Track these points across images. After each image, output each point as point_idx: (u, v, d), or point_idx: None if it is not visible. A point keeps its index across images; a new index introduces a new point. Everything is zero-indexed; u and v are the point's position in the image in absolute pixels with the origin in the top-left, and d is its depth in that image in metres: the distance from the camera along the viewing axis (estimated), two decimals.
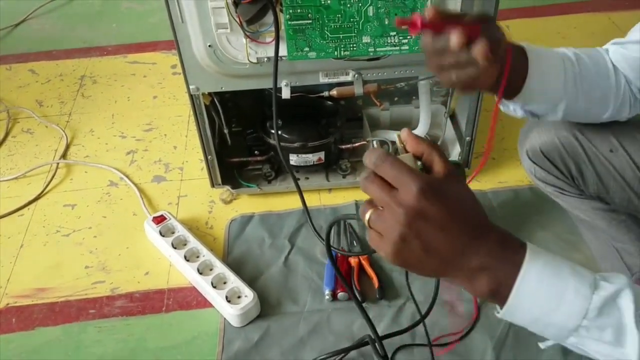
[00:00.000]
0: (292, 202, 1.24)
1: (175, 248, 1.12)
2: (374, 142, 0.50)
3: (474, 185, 1.13)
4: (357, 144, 1.27)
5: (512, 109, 0.76)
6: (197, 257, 1.11)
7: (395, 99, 1.33)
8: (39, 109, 1.57)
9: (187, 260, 1.10)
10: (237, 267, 1.11)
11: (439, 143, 1.28)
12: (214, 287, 1.05)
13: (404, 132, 0.52)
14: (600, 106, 0.76)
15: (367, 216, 0.47)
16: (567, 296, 0.43)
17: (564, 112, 0.74)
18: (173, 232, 1.16)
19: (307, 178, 1.30)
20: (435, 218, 0.44)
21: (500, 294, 0.45)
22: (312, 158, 1.24)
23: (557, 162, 0.85)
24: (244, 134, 1.29)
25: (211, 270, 1.09)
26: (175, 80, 1.62)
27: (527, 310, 0.45)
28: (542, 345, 0.51)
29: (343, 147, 1.27)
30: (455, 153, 1.26)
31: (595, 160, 0.82)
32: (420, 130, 1.24)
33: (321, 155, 1.24)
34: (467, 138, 1.21)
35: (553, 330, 0.45)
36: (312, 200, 1.26)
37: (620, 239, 0.95)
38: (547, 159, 0.85)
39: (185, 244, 1.14)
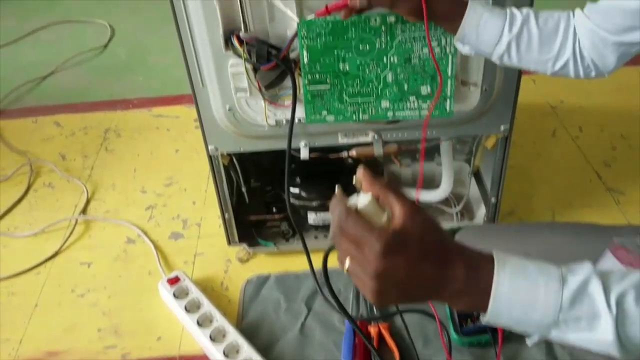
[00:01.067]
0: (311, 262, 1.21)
1: (188, 311, 1.09)
2: (337, 188, 0.50)
3: None
4: None
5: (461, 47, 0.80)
6: (211, 321, 1.08)
7: (417, 155, 1.30)
8: (62, 163, 1.58)
9: (200, 325, 1.06)
10: (251, 332, 1.07)
11: (463, 202, 1.24)
12: (226, 356, 1.01)
13: (359, 172, 0.53)
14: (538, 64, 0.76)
15: (345, 266, 0.51)
16: (539, 295, 0.47)
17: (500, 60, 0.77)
18: (187, 294, 1.13)
19: (326, 236, 1.27)
20: (403, 267, 0.47)
21: (480, 307, 0.48)
22: (331, 217, 1.20)
23: None
24: (263, 190, 1.27)
25: (224, 337, 1.05)
26: (198, 133, 1.59)
27: (507, 315, 0.48)
28: (528, 342, 0.54)
29: None
30: (480, 214, 1.22)
31: None
32: (443, 189, 1.20)
33: None
34: (493, 199, 1.17)
35: (535, 328, 0.49)
36: (331, 261, 1.22)
37: None
38: None
39: (199, 307, 1.10)
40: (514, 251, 0.79)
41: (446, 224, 1.25)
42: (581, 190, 1.35)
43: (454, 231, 1.01)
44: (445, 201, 1.25)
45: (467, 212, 1.28)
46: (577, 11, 0.73)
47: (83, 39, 2.22)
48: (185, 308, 1.10)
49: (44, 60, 2.08)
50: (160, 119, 1.74)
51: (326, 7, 0.79)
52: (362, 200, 0.50)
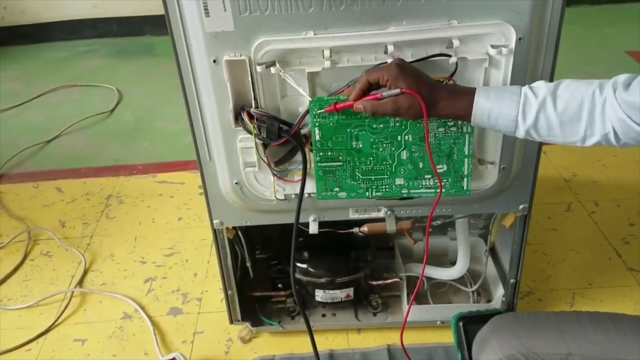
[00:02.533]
0: (318, 343, 1.12)
1: None
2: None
3: None
4: (389, 281, 1.18)
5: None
6: None
7: (430, 229, 1.25)
8: (61, 230, 1.54)
9: None
10: None
11: (480, 281, 1.18)
12: None
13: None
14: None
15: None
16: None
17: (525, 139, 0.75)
18: None
19: (334, 314, 1.20)
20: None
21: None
22: (340, 294, 1.15)
23: None
24: (268, 264, 1.22)
25: None
26: (202, 200, 1.56)
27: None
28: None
29: (374, 283, 1.18)
30: (498, 295, 1.15)
31: None
32: (459, 268, 1.15)
33: (350, 291, 1.15)
34: (512, 280, 1.11)
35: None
36: (339, 343, 1.15)
37: None
38: None
39: None
40: (556, 350, 0.74)
41: (462, 304, 1.19)
42: (601, 269, 1.29)
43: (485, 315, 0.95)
44: (461, 279, 1.19)
45: (484, 290, 1.22)
46: (608, 92, 0.68)
47: (90, 103, 2.23)
48: None
49: (49, 124, 2.08)
50: (164, 185, 1.70)
51: (335, 105, 0.78)
52: None
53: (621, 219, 1.43)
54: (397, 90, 0.72)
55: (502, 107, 0.71)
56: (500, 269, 1.20)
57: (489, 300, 1.20)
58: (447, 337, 1.12)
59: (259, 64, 0.81)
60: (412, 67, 0.74)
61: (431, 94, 0.72)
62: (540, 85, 0.71)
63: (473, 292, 1.20)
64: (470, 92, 0.73)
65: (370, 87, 0.75)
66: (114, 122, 2.12)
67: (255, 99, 0.85)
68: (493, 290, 1.19)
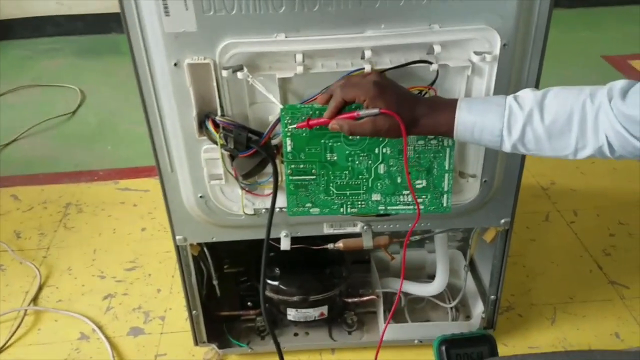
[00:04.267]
0: None
1: None
2: None
3: (501, 349, 0.97)
4: (365, 298, 1.11)
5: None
6: None
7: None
8: (16, 242, 1.44)
9: None
10: None
11: (459, 297, 1.13)
12: None
13: None
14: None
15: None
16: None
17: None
18: None
19: (307, 333, 1.14)
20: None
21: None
22: (313, 313, 1.08)
23: None
24: (237, 280, 1.14)
25: None
26: None
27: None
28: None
29: (349, 300, 1.12)
30: (477, 311, 1.10)
31: None
32: (438, 284, 1.10)
33: (324, 309, 1.08)
34: (492, 297, 1.06)
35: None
36: None
37: None
38: None
39: None
40: None
41: (441, 322, 1.13)
42: (582, 282, 1.25)
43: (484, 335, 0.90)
44: (439, 294, 1.14)
45: (463, 306, 1.17)
46: (602, 101, 0.62)
47: (51, 105, 2.11)
48: None
49: (7, 126, 1.96)
50: (127, 193, 1.61)
51: (308, 120, 0.73)
52: None
53: (601, 229, 1.40)
54: (376, 111, 0.66)
55: (486, 121, 0.66)
56: (480, 283, 1.15)
57: (468, 316, 1.15)
58: (426, 357, 1.07)
59: (225, 69, 0.74)
60: (390, 84, 0.69)
61: (412, 113, 0.67)
62: (526, 95, 0.66)
63: (452, 308, 1.15)
64: (451, 106, 0.67)
65: (345, 104, 0.70)
66: (76, 124, 2.02)
67: (221, 106, 0.78)
68: (472, 305, 1.14)
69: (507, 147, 0.67)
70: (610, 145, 0.62)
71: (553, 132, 0.64)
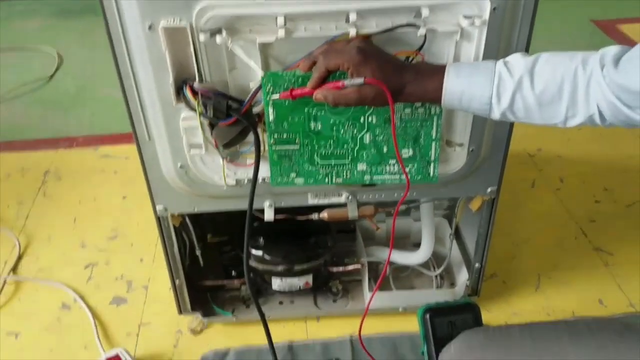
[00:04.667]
0: (276, 333, 1.06)
1: None
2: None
3: (485, 316, 0.97)
4: (350, 267, 1.11)
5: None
6: None
7: (392, 212, 1.19)
8: None
9: None
10: None
11: (444, 265, 1.12)
12: None
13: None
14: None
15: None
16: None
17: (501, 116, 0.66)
18: None
19: (292, 302, 1.13)
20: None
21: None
22: (298, 282, 1.07)
23: None
24: (221, 250, 1.13)
25: None
26: None
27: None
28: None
29: (334, 269, 1.11)
30: (462, 279, 1.10)
31: None
32: (424, 253, 1.09)
33: (309, 279, 1.08)
34: (477, 265, 1.06)
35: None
36: (298, 332, 1.09)
37: None
38: None
39: None
40: None
41: (425, 290, 1.13)
42: (566, 249, 1.26)
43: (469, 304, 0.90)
44: (424, 263, 1.13)
45: (447, 274, 1.16)
46: (593, 69, 0.59)
47: (28, 69, 2.04)
48: None
49: None
50: (107, 160, 1.57)
51: (291, 91, 0.70)
52: None
53: (587, 196, 1.40)
54: (360, 80, 0.64)
55: (475, 88, 0.64)
56: (465, 252, 1.15)
57: (452, 284, 1.15)
58: (411, 325, 1.07)
59: (202, 32, 0.70)
60: (375, 51, 0.66)
61: (398, 80, 0.65)
62: (516, 62, 0.63)
63: (436, 276, 1.15)
64: (439, 72, 0.65)
65: (329, 74, 0.67)
66: (54, 89, 1.95)
67: (199, 72, 0.75)
68: (457, 273, 1.14)
69: (496, 115, 0.65)
70: (601, 114, 0.60)
71: (543, 100, 0.62)
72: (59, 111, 1.81)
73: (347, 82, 0.65)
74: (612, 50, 0.59)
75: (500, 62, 0.64)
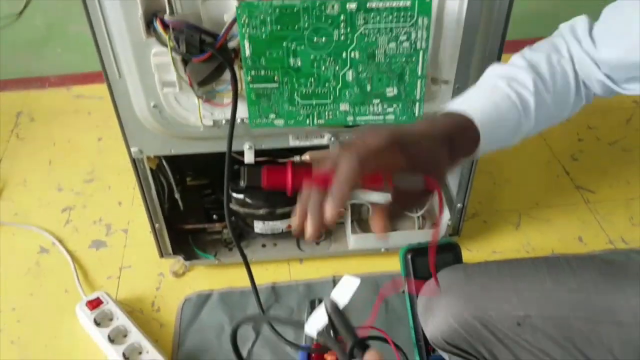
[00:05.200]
0: (258, 275, 1.06)
1: (112, 342, 0.93)
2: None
3: (465, 255, 0.97)
4: None
5: None
6: (140, 353, 0.92)
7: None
8: None
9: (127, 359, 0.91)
10: None
11: (426, 207, 1.12)
12: None
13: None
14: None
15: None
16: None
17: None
18: (111, 320, 0.96)
19: (275, 245, 1.12)
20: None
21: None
22: (280, 225, 1.06)
23: (465, 347, 0.70)
24: (201, 193, 1.11)
25: None
26: None
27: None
28: None
29: None
30: (444, 219, 1.10)
31: (505, 338, 0.68)
32: None
33: (291, 222, 1.06)
34: (459, 205, 1.06)
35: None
36: (281, 274, 1.09)
37: None
38: (454, 346, 0.71)
39: (125, 336, 0.94)
40: (512, 311, 0.68)
41: (407, 231, 1.13)
42: (548, 187, 1.26)
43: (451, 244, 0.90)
44: None
45: (430, 215, 1.16)
46: (576, 52, 0.60)
47: None
48: (109, 338, 0.93)
49: None
50: (81, 100, 1.52)
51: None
52: None
53: (570, 134, 1.39)
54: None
55: (502, 123, 0.58)
56: (447, 192, 1.14)
57: (434, 224, 1.15)
58: (392, 265, 1.07)
59: None
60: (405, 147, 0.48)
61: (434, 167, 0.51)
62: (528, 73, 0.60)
63: (418, 217, 1.14)
64: (470, 139, 0.55)
65: None
66: (23, 26, 1.84)
67: (169, 3, 0.70)
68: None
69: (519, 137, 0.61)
70: (595, 94, 0.64)
71: (557, 100, 0.62)
72: (29, 50, 1.72)
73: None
74: (579, 26, 0.61)
75: (514, 95, 0.59)
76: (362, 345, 0.41)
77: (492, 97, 0.59)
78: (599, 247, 1.12)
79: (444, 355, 0.73)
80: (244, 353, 0.95)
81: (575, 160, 1.32)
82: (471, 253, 1.12)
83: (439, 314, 0.70)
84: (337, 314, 0.43)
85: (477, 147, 0.55)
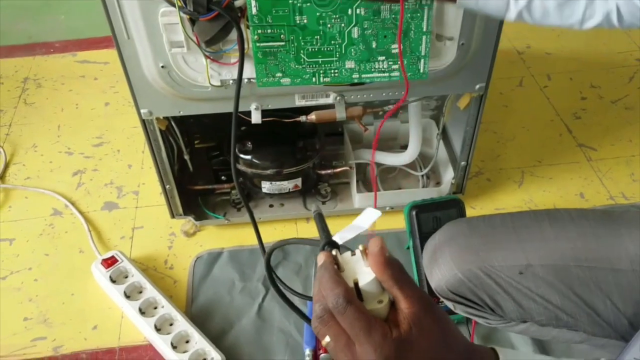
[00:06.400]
0: (266, 234, 1.09)
1: (128, 297, 0.97)
2: (326, 251, 0.43)
3: (469, 212, 1.00)
4: (338, 170, 1.12)
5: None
6: (155, 308, 0.96)
7: (380, 112, 1.18)
8: None
9: (143, 314, 0.94)
10: (202, 318, 0.97)
11: (430, 165, 1.14)
12: (175, 347, 0.90)
13: (373, 244, 0.42)
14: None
15: (325, 340, 0.41)
16: None
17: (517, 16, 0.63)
18: (126, 277, 1.00)
19: (282, 205, 1.15)
20: None
21: None
22: (287, 185, 1.08)
23: (469, 296, 0.73)
24: (209, 155, 1.13)
25: (171, 325, 0.94)
26: None
27: None
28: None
29: (322, 172, 1.12)
30: (448, 177, 1.12)
31: (508, 287, 0.70)
32: (410, 153, 1.10)
33: (298, 182, 1.09)
34: (462, 163, 1.07)
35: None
36: (288, 232, 1.11)
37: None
38: (458, 295, 0.73)
39: (140, 292, 0.98)
40: (514, 261, 0.70)
41: (411, 190, 1.15)
42: (551, 146, 1.27)
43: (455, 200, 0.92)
44: (411, 163, 1.14)
45: (433, 173, 1.18)
46: None
47: None
48: (125, 294, 0.97)
49: None
50: (87, 66, 1.52)
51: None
52: (364, 276, 0.42)
53: (573, 93, 1.40)
54: None
55: None
56: (451, 151, 1.16)
57: (438, 183, 1.17)
58: (397, 223, 1.10)
59: None
60: None
61: None
62: None
63: (423, 176, 1.17)
64: None
65: None
66: None
67: None
68: (443, 172, 1.16)
69: (512, 15, 0.63)
70: (619, 12, 0.60)
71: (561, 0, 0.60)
72: (31, 15, 1.73)
73: None
74: None
75: None
76: (333, 244, 0.44)
77: None
78: (600, 203, 1.14)
79: (449, 304, 0.76)
80: (255, 308, 0.99)
81: (578, 119, 1.33)
82: (475, 210, 1.14)
83: (443, 265, 0.73)
84: (319, 219, 0.50)
85: None
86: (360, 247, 0.42)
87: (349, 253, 0.43)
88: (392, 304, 0.42)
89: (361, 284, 0.41)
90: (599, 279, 0.67)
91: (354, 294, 0.41)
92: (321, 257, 0.43)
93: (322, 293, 0.41)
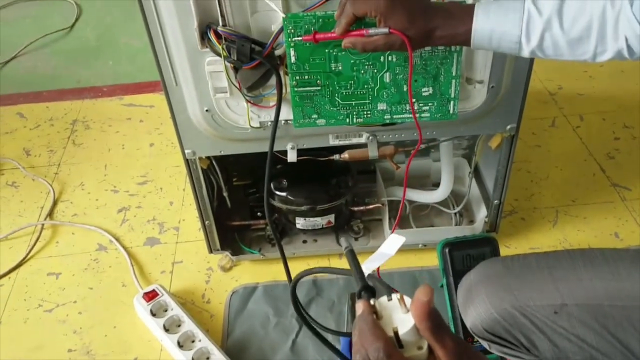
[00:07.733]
0: (299, 269, 1.11)
1: (167, 330, 1.00)
2: (364, 301, 0.44)
3: (503, 251, 1.00)
4: (370, 206, 1.15)
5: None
6: (193, 341, 0.99)
7: (411, 151, 1.21)
8: (26, 159, 1.46)
9: (181, 347, 0.97)
10: (237, 352, 0.99)
11: (463, 203, 1.15)
12: None
13: (420, 294, 0.40)
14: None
15: None
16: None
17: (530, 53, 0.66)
18: (166, 310, 1.04)
19: (316, 240, 1.18)
20: None
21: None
22: (320, 221, 1.12)
23: (504, 335, 0.73)
24: (246, 192, 1.17)
25: (208, 359, 0.96)
26: None
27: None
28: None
29: (355, 209, 1.15)
30: (481, 216, 1.13)
31: (543, 326, 0.70)
32: (442, 191, 1.12)
33: (331, 218, 1.12)
34: (496, 201, 1.09)
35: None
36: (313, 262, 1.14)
37: None
38: (494, 334, 0.74)
39: (179, 325, 1.01)
40: (549, 301, 0.71)
41: (444, 226, 1.17)
42: (585, 185, 1.27)
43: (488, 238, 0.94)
44: (444, 201, 1.16)
45: (466, 211, 1.20)
46: (623, 5, 0.60)
47: (48, 19, 2.06)
48: (164, 327, 1.00)
49: (5, 43, 1.92)
50: (133, 109, 1.61)
51: (314, 34, 0.72)
52: (404, 324, 0.41)
53: (606, 133, 1.40)
54: (385, 30, 0.65)
55: (504, 28, 0.64)
56: (484, 189, 1.17)
57: (472, 221, 1.18)
58: (430, 260, 1.11)
59: None
60: None
61: (426, 26, 0.65)
62: (545, 0, 0.64)
63: (455, 213, 1.18)
64: (468, 14, 0.65)
65: (356, 19, 0.67)
66: (75, 39, 1.97)
67: (222, 15, 0.76)
68: (476, 211, 1.17)
69: (525, 54, 0.66)
70: (630, 48, 0.62)
71: (572, 38, 0.63)
72: (81, 61, 1.84)
73: (371, 30, 0.66)
74: None
75: (529, 1, 0.64)
76: (370, 290, 0.44)
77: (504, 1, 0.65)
78: (635, 243, 1.13)
79: (484, 343, 0.76)
80: (289, 344, 1.01)
81: (612, 159, 1.33)
82: (509, 249, 1.15)
83: (479, 304, 0.74)
84: (351, 257, 0.49)
85: (471, 29, 0.64)
86: (398, 295, 0.42)
87: (385, 298, 0.43)
88: (430, 350, 0.42)
89: (401, 332, 0.41)
90: (632, 318, 0.67)
91: (394, 346, 0.41)
92: (359, 307, 0.43)
93: (363, 345, 0.41)
